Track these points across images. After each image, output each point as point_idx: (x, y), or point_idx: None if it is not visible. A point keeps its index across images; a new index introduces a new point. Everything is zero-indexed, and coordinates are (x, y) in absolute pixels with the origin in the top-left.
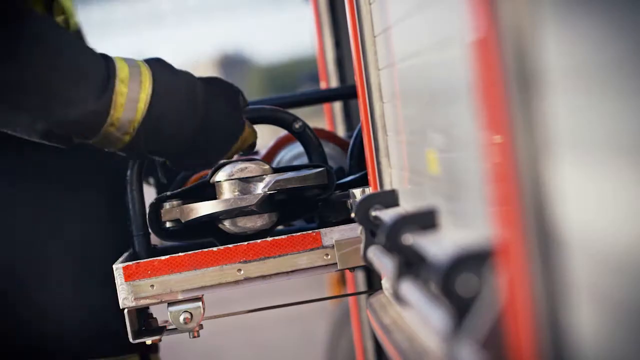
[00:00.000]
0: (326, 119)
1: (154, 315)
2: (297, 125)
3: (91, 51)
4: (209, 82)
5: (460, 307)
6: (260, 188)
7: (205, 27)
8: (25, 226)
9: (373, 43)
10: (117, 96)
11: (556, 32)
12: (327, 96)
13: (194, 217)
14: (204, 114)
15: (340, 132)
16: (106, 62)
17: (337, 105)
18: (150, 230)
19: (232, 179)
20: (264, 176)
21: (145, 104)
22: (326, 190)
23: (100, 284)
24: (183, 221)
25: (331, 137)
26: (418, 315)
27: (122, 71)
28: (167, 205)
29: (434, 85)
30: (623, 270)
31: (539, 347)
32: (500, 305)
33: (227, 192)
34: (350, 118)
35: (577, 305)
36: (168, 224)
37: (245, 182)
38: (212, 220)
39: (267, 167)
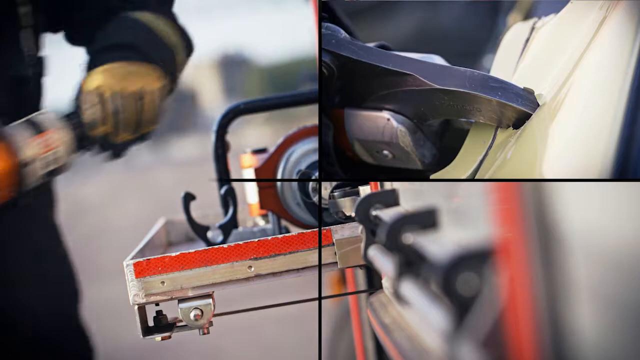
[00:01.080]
0: None
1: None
2: None
3: None
4: None
5: (460, 307)
6: None
7: (205, 27)
8: None
9: None
10: None
11: None
12: None
13: None
14: None
15: None
16: None
17: None
18: None
19: None
20: None
21: None
22: None
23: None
24: None
25: None
26: (418, 314)
27: None
28: None
29: None
30: (623, 270)
31: (539, 347)
32: (501, 304)
33: None
34: None
35: (577, 304)
36: None
37: None
38: None
39: None
